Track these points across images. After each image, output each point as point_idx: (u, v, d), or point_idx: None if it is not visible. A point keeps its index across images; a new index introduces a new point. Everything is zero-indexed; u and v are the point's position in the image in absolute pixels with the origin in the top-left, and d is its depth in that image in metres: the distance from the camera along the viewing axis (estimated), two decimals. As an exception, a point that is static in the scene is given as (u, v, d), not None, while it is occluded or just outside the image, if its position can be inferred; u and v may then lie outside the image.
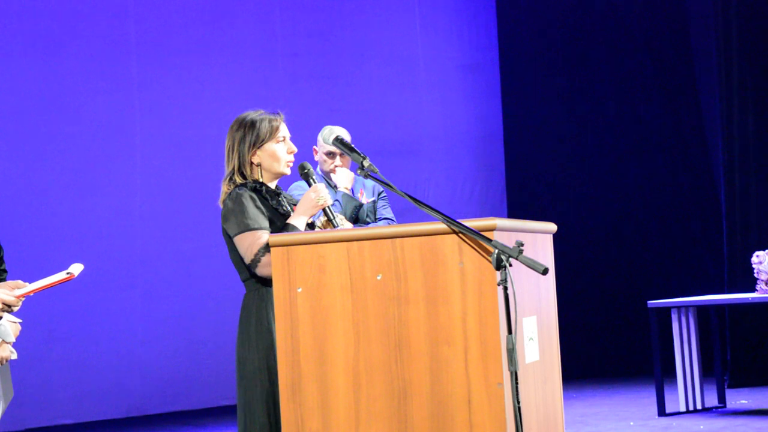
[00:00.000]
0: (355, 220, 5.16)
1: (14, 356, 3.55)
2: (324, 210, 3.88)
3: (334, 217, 3.90)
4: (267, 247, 3.71)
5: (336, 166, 5.30)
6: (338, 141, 3.46)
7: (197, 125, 9.69)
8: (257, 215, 3.76)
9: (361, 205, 5.22)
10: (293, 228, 3.77)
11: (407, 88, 11.13)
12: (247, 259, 3.74)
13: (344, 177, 5.24)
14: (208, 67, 9.93)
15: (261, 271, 3.72)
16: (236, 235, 3.76)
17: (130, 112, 9.52)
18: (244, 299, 3.83)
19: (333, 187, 5.31)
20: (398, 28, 11.20)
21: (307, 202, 3.85)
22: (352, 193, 5.27)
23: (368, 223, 5.25)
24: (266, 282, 3.77)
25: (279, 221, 3.82)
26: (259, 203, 3.80)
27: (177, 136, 9.65)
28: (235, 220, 3.76)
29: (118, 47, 9.49)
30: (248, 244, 3.73)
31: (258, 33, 10.30)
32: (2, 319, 3.42)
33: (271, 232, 3.77)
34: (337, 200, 5.14)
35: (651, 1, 11.38)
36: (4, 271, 3.64)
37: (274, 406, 3.68)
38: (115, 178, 9.38)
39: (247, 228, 3.74)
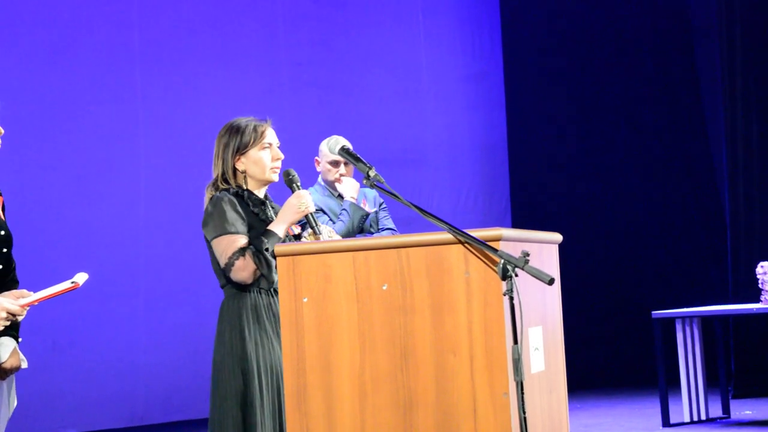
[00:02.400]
0: (361, 230, 5.16)
1: (25, 365, 3.55)
2: (306, 217, 3.85)
3: (316, 224, 3.86)
4: (242, 251, 3.69)
5: (341, 175, 5.30)
6: (344, 151, 3.46)
7: (200, 134, 9.65)
8: (235, 220, 3.73)
9: (368, 214, 5.22)
10: (272, 234, 3.73)
11: (411, 97, 11.14)
12: (222, 263, 3.72)
13: (350, 186, 5.24)
14: (212, 76, 9.94)
15: (235, 275, 3.70)
16: (213, 238, 3.74)
17: (134, 121, 9.53)
18: (221, 306, 3.82)
19: (338, 197, 5.31)
20: (402, 37, 11.21)
21: (289, 208, 3.80)
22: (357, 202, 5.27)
23: (371, 233, 5.25)
24: (243, 288, 3.75)
25: (259, 228, 3.79)
26: (239, 208, 3.77)
27: (180, 145, 9.66)
28: (212, 224, 3.74)
29: (121, 56, 9.50)
30: (223, 247, 3.71)
31: (262, 42, 10.31)
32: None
33: (250, 239, 3.75)
34: (344, 210, 5.14)
35: (655, 11, 11.40)
36: (16, 282, 3.65)
37: (248, 410, 3.67)
38: (119, 186, 9.39)
39: (224, 232, 3.71)
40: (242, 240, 3.71)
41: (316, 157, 5.44)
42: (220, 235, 3.71)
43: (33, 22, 9.12)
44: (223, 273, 3.74)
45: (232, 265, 3.68)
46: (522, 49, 11.69)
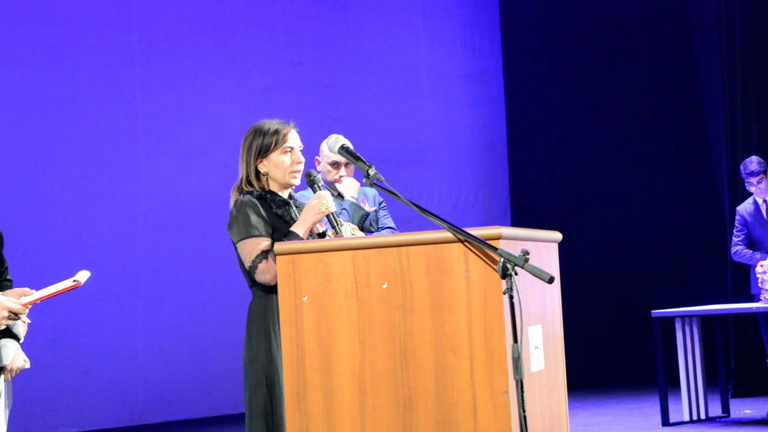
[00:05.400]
0: (361, 229, 5.16)
1: (27, 365, 3.56)
2: (327, 217, 3.88)
3: (337, 224, 3.89)
4: (265, 254, 3.73)
5: (341, 177, 5.30)
6: (344, 150, 3.46)
7: (200, 134, 9.70)
8: (259, 222, 3.77)
9: (368, 214, 5.22)
10: (294, 235, 3.77)
11: (411, 97, 11.14)
12: (246, 266, 3.77)
13: (351, 186, 5.24)
14: (212, 76, 9.94)
15: (259, 277, 3.74)
16: (238, 242, 3.79)
17: (134, 121, 9.54)
18: (249, 306, 3.85)
19: (337, 196, 5.31)
20: (402, 37, 11.22)
21: (310, 209, 3.85)
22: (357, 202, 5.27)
23: (371, 232, 5.26)
24: (270, 290, 3.78)
25: (283, 229, 3.83)
26: (262, 211, 3.81)
27: (180, 145, 9.66)
28: (237, 227, 3.80)
29: (121, 56, 9.51)
30: (247, 250, 3.76)
31: (262, 42, 10.31)
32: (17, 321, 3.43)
33: (274, 240, 3.78)
34: (344, 209, 5.15)
35: (655, 11, 11.39)
36: (9, 281, 3.65)
37: (272, 414, 3.70)
38: (119, 185, 9.39)
39: (248, 235, 3.76)
40: (265, 242, 3.75)
41: (317, 157, 5.44)
42: (245, 238, 3.77)
43: (33, 22, 9.12)
44: (248, 275, 3.78)
45: (256, 267, 3.73)
46: (521, 49, 11.69)
